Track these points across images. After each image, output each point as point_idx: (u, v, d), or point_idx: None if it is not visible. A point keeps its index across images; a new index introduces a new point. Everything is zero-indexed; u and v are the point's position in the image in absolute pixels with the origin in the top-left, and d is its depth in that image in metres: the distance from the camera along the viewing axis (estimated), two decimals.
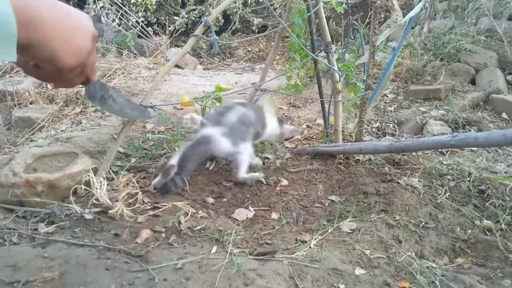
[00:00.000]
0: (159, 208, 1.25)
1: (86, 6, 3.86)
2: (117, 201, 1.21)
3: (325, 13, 1.67)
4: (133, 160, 1.57)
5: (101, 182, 1.23)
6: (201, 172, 1.53)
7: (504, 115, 2.41)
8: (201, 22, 1.27)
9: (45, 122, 2.00)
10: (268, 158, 1.73)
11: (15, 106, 2.16)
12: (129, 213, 1.18)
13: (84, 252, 1.00)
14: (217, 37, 1.30)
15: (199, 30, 1.27)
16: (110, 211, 1.17)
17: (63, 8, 0.43)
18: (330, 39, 1.69)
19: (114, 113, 0.94)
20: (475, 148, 1.93)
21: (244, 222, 1.25)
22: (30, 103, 2.20)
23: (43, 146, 1.58)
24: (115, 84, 2.49)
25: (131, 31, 3.55)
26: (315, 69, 1.80)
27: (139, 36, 3.62)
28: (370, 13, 2.74)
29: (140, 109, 1.14)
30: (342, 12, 1.68)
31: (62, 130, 1.94)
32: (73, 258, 0.96)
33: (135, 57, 3.31)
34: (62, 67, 0.44)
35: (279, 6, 3.92)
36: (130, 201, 1.26)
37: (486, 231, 1.30)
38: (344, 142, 1.87)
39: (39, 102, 2.20)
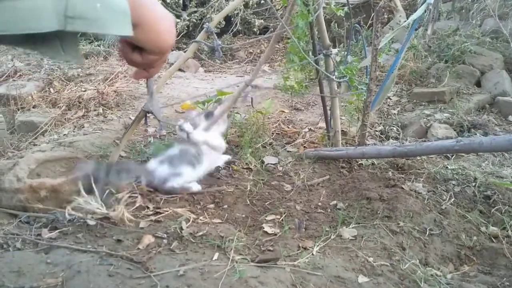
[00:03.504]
0: (160, 213, 1.25)
1: None
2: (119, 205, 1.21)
3: (326, 15, 1.66)
4: None
5: None
6: (202, 177, 1.53)
7: (510, 118, 2.38)
8: (203, 27, 1.26)
9: (48, 126, 2.01)
10: (270, 163, 1.72)
11: (18, 110, 2.18)
12: (131, 217, 1.18)
13: (86, 258, 1.00)
14: (220, 42, 1.29)
15: (201, 36, 1.27)
16: (111, 215, 1.17)
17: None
18: (329, 42, 1.68)
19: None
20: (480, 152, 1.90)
21: (246, 228, 1.25)
22: (33, 107, 2.21)
23: (46, 150, 1.59)
24: (117, 88, 2.49)
25: None
26: (317, 72, 1.79)
27: None
28: (373, 15, 2.72)
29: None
30: (343, 15, 1.67)
31: (64, 134, 1.96)
32: (75, 264, 0.97)
33: None
34: (165, 47, 0.50)
35: (281, 7, 3.91)
36: (131, 208, 1.26)
37: (492, 238, 1.28)
38: (347, 145, 1.85)
39: (42, 106, 2.21)
